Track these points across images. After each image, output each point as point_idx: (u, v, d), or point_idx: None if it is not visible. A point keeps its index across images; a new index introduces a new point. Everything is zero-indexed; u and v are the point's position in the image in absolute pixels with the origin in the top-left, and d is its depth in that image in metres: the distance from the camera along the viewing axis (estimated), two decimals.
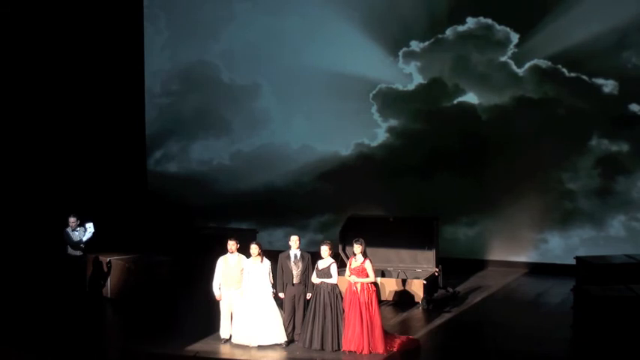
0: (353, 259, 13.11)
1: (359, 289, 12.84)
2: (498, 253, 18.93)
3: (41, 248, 17.64)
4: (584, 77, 18.23)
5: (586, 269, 15.06)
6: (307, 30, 19.61)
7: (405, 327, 14.38)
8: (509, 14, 18.57)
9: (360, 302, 12.77)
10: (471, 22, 18.80)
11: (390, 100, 19.38)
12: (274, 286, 13.32)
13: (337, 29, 19.35)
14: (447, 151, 19.08)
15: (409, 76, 19.24)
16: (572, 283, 14.98)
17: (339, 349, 12.81)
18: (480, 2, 18.77)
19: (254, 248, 13.26)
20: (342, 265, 14.53)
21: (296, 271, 13.28)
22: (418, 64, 19.17)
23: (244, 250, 13.46)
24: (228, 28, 20.19)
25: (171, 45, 20.63)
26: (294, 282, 13.29)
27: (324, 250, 13.11)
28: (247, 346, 13.08)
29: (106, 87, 19.92)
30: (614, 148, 18.24)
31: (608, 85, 18.12)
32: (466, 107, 18.98)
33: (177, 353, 12.88)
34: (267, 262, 13.32)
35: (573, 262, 15.77)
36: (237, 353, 12.92)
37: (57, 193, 18.71)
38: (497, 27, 18.66)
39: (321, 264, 13.08)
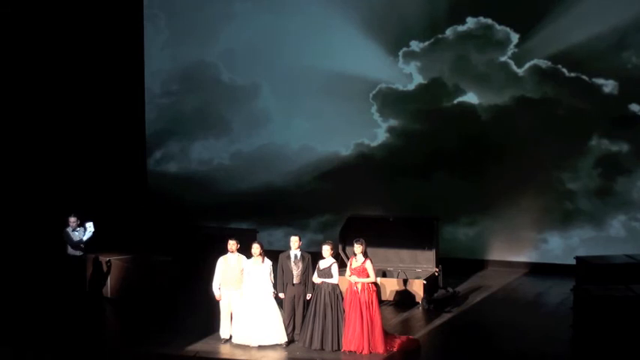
0: (354, 259, 13.11)
1: (359, 289, 12.84)
2: (498, 253, 18.92)
3: (41, 248, 17.63)
4: (584, 77, 18.22)
5: (586, 269, 15.05)
6: (307, 30, 19.60)
7: (405, 327, 14.38)
8: (509, 14, 18.56)
9: (360, 302, 12.77)
10: (471, 22, 18.80)
11: (390, 100, 19.37)
12: (274, 286, 13.33)
13: (337, 29, 19.33)
14: (447, 151, 19.07)
15: (409, 76, 19.23)
16: (572, 283, 14.96)
17: (339, 349, 12.82)
18: (479, 2, 18.76)
19: (256, 248, 13.26)
20: (341, 265, 14.52)
21: (296, 271, 13.27)
22: (418, 64, 19.16)
23: (244, 250, 13.46)
24: (228, 28, 20.18)
25: (171, 45, 20.61)
26: (294, 282, 13.29)
27: (326, 249, 13.12)
28: (247, 346, 13.08)
29: (107, 87, 19.91)
30: (614, 148, 18.24)
31: (608, 85, 18.12)
32: (466, 107, 18.97)
33: (177, 353, 12.88)
34: (268, 263, 13.31)
35: (573, 262, 15.77)
36: (237, 353, 12.91)
37: (57, 193, 18.70)
38: (497, 27, 18.65)
39: (322, 264, 13.08)
